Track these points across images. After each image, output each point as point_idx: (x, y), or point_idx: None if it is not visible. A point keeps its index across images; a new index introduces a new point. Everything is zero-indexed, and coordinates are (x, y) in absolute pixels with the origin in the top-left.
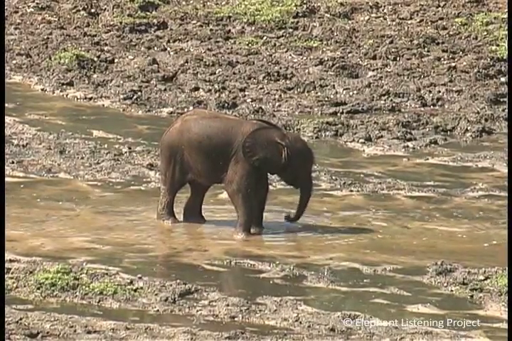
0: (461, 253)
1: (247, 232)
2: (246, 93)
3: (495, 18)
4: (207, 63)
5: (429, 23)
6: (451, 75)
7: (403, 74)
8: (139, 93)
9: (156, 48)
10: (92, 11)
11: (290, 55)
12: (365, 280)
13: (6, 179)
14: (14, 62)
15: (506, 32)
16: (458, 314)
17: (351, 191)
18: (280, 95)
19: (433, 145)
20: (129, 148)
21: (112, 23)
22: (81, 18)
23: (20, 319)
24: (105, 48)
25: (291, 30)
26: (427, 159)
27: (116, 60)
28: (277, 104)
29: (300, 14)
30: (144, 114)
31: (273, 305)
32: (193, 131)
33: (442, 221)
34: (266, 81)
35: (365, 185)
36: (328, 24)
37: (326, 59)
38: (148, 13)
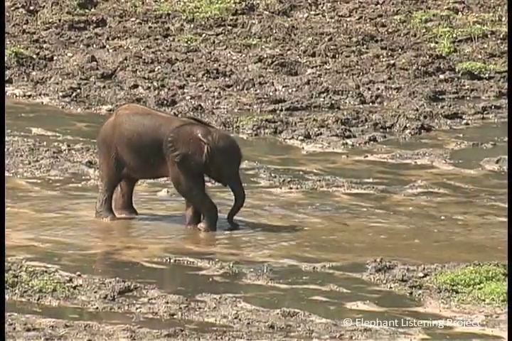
0: (401, 250)
1: (214, 227)
2: (185, 90)
3: (434, 15)
4: (146, 60)
5: (368, 21)
6: (390, 72)
7: (342, 72)
8: (78, 90)
9: (95, 46)
10: (31, 8)
11: (229, 52)
12: (304, 278)
13: None
14: None
15: (445, 29)
16: (397, 311)
17: (290, 188)
18: (219, 92)
19: (372, 142)
20: (68, 146)
21: (50, 20)
22: (20, 15)
23: None
24: (44, 46)
25: (230, 27)
26: (366, 156)
27: (55, 58)
28: (216, 101)
29: (239, 11)
30: (83, 111)
31: (212, 302)
32: (123, 127)
33: (381, 218)
34: (205, 78)
35: (304, 182)
36: (267, 21)
37: (265, 56)
38: (87, 11)
